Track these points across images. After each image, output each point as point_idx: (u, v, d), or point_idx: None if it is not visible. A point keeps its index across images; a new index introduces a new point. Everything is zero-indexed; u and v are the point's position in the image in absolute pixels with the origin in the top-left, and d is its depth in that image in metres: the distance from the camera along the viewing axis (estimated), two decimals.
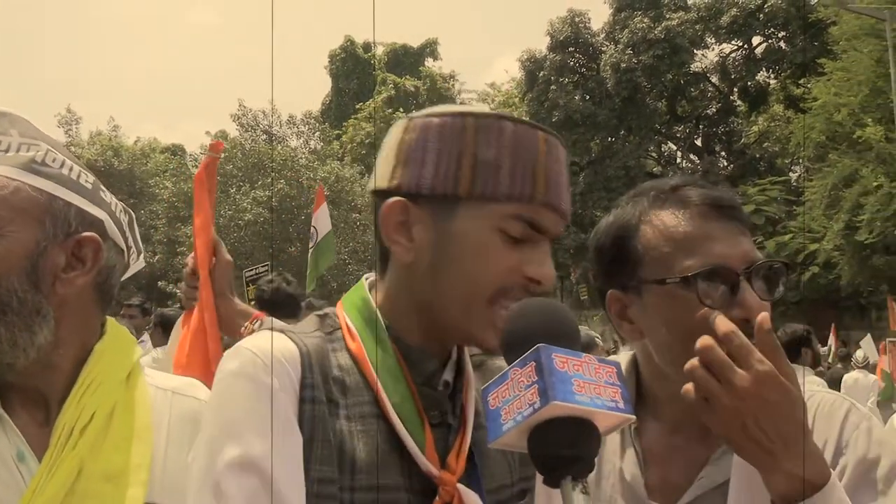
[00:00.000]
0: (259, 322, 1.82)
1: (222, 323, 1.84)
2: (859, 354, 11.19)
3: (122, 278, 1.27)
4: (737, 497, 1.08)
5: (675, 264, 1.12)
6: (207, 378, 1.72)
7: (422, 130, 1.00)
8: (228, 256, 1.87)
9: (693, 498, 1.14)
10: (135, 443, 1.11)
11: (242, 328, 1.81)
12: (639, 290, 1.17)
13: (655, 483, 1.18)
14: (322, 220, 6.85)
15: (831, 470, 0.99)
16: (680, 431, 1.19)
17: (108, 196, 1.21)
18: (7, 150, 1.11)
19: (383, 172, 1.03)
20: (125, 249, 1.23)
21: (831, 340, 14.78)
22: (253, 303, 4.30)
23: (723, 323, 1.00)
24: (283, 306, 3.98)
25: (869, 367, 11.39)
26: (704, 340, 0.99)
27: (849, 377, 10.49)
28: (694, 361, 0.99)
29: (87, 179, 1.17)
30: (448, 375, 1.04)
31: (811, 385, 1.17)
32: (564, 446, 0.80)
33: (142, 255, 1.31)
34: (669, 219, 1.16)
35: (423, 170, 0.99)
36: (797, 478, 0.96)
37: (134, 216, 1.29)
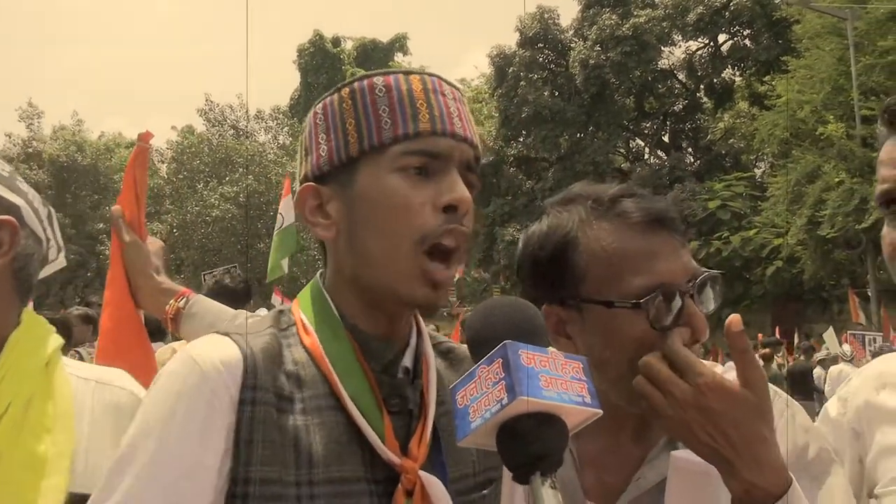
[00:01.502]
0: (185, 299, 1.75)
1: (144, 302, 1.78)
2: (846, 348, 11.49)
3: (43, 274, 1.26)
4: (674, 498, 1.08)
5: (620, 283, 1.09)
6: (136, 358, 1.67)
7: (310, 120, 1.06)
8: (139, 238, 1.77)
9: (631, 498, 1.14)
10: (55, 431, 1.10)
11: (167, 306, 1.74)
12: (579, 307, 1.13)
13: (591, 484, 1.17)
14: (288, 208, 6.95)
15: (792, 476, 1.00)
16: (613, 435, 1.18)
17: (25, 186, 1.21)
18: None
19: (298, 175, 1.07)
20: (44, 240, 1.22)
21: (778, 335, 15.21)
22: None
23: (671, 339, 1.04)
24: (224, 301, 3.96)
25: (829, 360, 11.68)
26: (646, 358, 1.03)
27: (833, 369, 10.85)
28: (640, 377, 1.03)
29: (4, 168, 1.17)
30: (408, 362, 1.04)
31: None
32: (533, 442, 0.80)
33: (62, 253, 1.30)
34: (611, 235, 1.12)
35: (319, 150, 1.03)
36: (754, 486, 0.98)
37: (54, 212, 1.28)
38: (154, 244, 1.82)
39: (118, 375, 1.26)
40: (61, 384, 1.16)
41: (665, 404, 1.00)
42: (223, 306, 1.82)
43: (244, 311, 1.87)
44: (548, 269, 1.16)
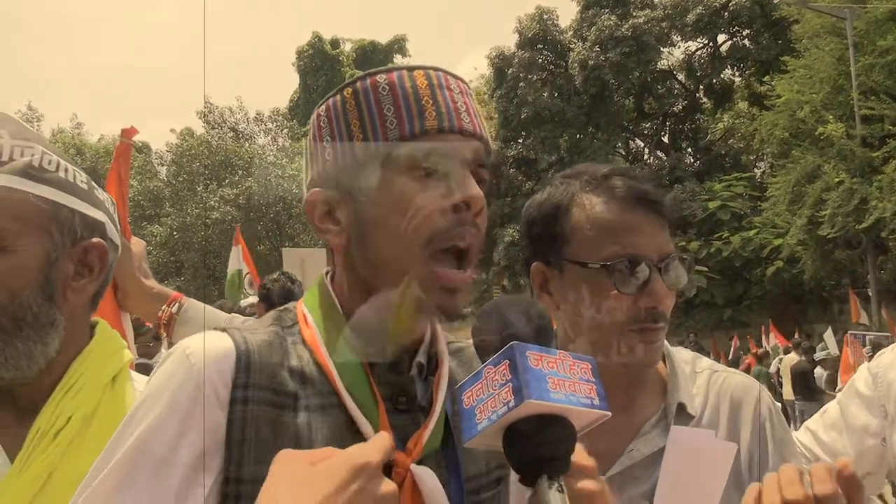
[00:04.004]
0: (177, 304, 1.74)
1: (133, 307, 1.77)
2: (831, 347, 11.50)
3: None
4: (670, 470, 1.17)
5: (597, 249, 1.22)
6: None
7: (314, 122, 1.03)
8: (126, 240, 1.73)
9: (623, 468, 1.22)
10: None
11: (160, 312, 1.73)
12: (561, 266, 1.27)
13: None
14: (234, 257, 7.70)
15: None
16: None
17: (101, 194, 1.20)
18: (0, 155, 1.08)
19: (305, 180, 1.05)
20: (119, 244, 1.23)
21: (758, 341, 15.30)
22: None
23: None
24: (281, 302, 4.01)
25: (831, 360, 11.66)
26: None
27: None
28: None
29: (82, 179, 1.16)
30: (421, 358, 1.02)
31: None
32: (540, 445, 0.80)
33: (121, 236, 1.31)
34: (597, 205, 1.25)
35: (324, 154, 1.00)
36: None
37: (115, 203, 1.28)
38: (138, 245, 1.80)
39: None
40: (127, 399, 1.15)
41: None
42: (217, 310, 1.80)
43: (238, 315, 1.86)
44: (539, 231, 1.30)
